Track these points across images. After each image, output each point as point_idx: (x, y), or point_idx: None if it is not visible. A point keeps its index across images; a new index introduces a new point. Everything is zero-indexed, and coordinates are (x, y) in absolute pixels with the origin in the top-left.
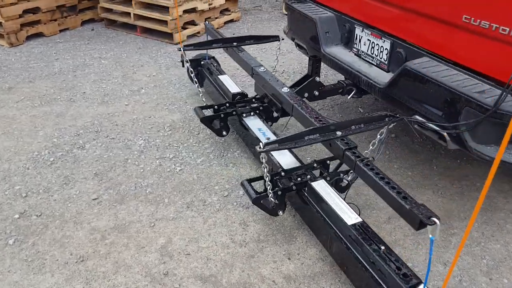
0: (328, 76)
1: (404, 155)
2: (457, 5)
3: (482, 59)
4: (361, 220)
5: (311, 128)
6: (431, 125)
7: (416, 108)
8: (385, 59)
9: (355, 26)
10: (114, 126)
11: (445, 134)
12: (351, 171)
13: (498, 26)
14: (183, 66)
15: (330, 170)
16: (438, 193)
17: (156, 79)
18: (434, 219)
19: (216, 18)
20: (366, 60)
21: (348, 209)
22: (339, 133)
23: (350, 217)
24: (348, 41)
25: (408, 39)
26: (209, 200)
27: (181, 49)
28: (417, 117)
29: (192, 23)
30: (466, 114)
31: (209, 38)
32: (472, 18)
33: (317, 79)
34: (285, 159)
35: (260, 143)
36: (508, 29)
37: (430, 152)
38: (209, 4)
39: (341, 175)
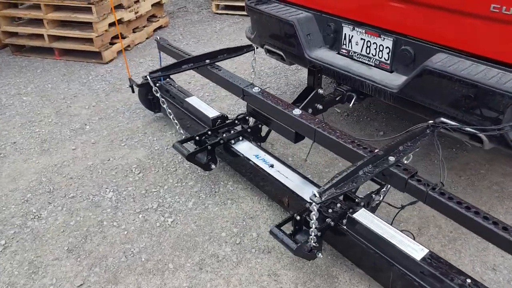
0: (291, 82)
1: None
2: None
3: None
4: (428, 250)
5: (363, 161)
6: (470, 129)
7: (443, 110)
8: (387, 59)
9: (343, 25)
10: (69, 180)
11: (482, 136)
12: (383, 189)
13: None
14: (133, 91)
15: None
16: (451, 189)
17: (98, 110)
18: None
19: (144, 27)
20: (361, 62)
21: (407, 240)
22: (392, 158)
23: (415, 250)
24: (334, 42)
25: (417, 35)
26: (222, 253)
27: (147, 77)
28: (450, 121)
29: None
30: None
31: (166, 58)
32: (504, 7)
33: (320, 91)
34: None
35: (314, 192)
36: None
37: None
38: (135, 13)
39: (373, 196)
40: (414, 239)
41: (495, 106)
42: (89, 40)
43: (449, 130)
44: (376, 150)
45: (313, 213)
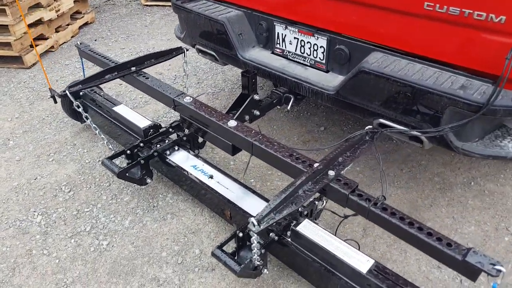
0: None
1: None
2: None
3: (453, 49)
4: (374, 261)
5: (302, 179)
6: (414, 133)
7: (381, 112)
8: (322, 58)
9: (275, 24)
10: None
11: (423, 138)
12: (324, 197)
13: (472, 11)
14: (55, 102)
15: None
16: (394, 184)
17: (22, 122)
18: (499, 267)
19: (68, 25)
20: (296, 62)
21: (352, 251)
22: (331, 172)
23: (361, 261)
24: (267, 41)
25: (352, 34)
26: (163, 275)
27: (66, 92)
28: (388, 123)
29: (41, 37)
30: (451, 114)
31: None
32: (437, 5)
33: (256, 97)
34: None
35: (252, 220)
36: (484, 14)
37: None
38: (57, 11)
39: (316, 203)
40: (359, 248)
41: (434, 107)
42: (7, 45)
43: (392, 135)
44: (315, 165)
45: (253, 237)
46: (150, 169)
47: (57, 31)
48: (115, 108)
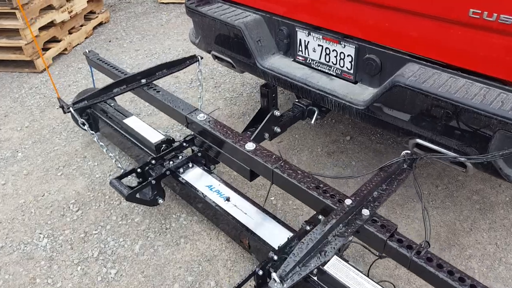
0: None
1: (370, 160)
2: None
3: (503, 63)
4: None
5: (332, 222)
6: (459, 159)
7: (417, 131)
8: (349, 68)
9: (297, 29)
10: None
11: (468, 163)
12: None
13: None
14: (64, 113)
15: None
16: (429, 203)
17: (32, 132)
18: None
19: (82, 26)
20: (321, 71)
21: None
22: (366, 212)
23: None
24: (288, 48)
25: (383, 42)
26: None
27: (70, 108)
28: (428, 144)
29: (54, 39)
30: (501, 138)
31: (98, 80)
32: (485, 12)
33: (277, 113)
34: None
35: (274, 277)
36: None
37: (393, 148)
38: (69, 12)
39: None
40: None
41: (481, 129)
42: (18, 49)
43: (432, 161)
44: (346, 201)
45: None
46: (162, 188)
47: (70, 33)
48: (126, 121)
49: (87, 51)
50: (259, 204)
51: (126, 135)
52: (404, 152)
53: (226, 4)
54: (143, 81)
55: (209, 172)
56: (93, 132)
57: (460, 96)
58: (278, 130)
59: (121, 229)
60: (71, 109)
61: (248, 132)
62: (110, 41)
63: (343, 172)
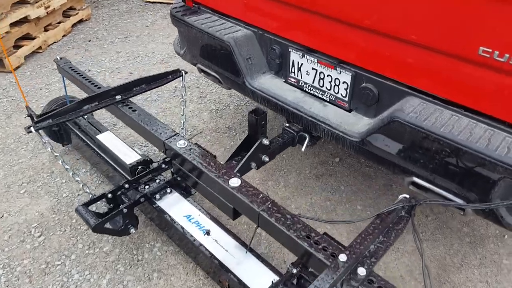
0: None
1: (359, 185)
2: (471, 35)
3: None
4: None
5: (327, 283)
6: (464, 206)
7: (414, 170)
8: (344, 95)
9: (290, 50)
10: None
11: (467, 209)
12: None
13: None
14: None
15: None
16: (420, 235)
17: None
18: None
19: (59, 23)
20: (314, 95)
21: None
22: (362, 271)
23: None
24: (280, 68)
25: (383, 72)
26: None
27: (33, 129)
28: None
29: (28, 37)
30: (506, 187)
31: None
32: (496, 52)
33: (266, 141)
34: None
35: None
36: None
37: (382, 172)
38: (46, 8)
39: None
40: None
41: (484, 175)
42: None
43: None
44: (340, 257)
45: None
46: (135, 216)
47: (46, 30)
48: (100, 136)
49: (58, 58)
50: (243, 241)
51: (99, 152)
52: (401, 197)
53: (215, 15)
54: (118, 97)
55: (189, 197)
56: (57, 154)
57: (463, 138)
58: (267, 159)
59: (87, 260)
60: (32, 129)
61: (233, 162)
62: (90, 41)
63: (332, 197)
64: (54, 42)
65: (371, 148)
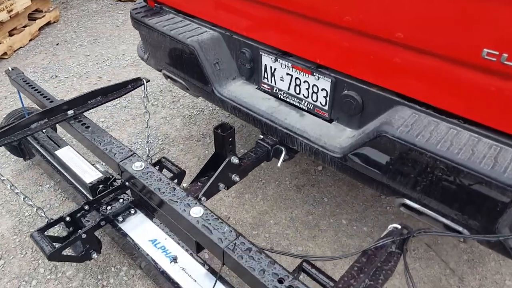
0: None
1: (343, 197)
2: (473, 35)
3: None
4: None
5: None
6: (470, 237)
7: (405, 192)
8: (324, 103)
9: (261, 53)
10: None
11: (465, 238)
12: None
13: None
14: None
15: None
16: (411, 253)
17: None
18: None
19: (25, 26)
20: (289, 103)
21: None
22: None
23: None
24: (252, 73)
25: (368, 79)
26: None
27: None
28: (419, 208)
29: None
30: None
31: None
32: (504, 55)
33: (235, 160)
34: None
35: None
36: None
37: None
38: (9, 12)
39: None
40: None
41: (489, 200)
42: None
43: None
44: None
45: None
46: (97, 240)
47: (11, 35)
48: (59, 152)
49: (10, 69)
50: (214, 268)
51: (60, 169)
52: (391, 227)
53: (179, 16)
54: (70, 112)
55: (152, 219)
56: (4, 178)
57: (464, 158)
58: (237, 178)
59: (48, 286)
60: None
61: (199, 184)
62: (57, 44)
63: (314, 210)
64: (21, 47)
65: (354, 165)
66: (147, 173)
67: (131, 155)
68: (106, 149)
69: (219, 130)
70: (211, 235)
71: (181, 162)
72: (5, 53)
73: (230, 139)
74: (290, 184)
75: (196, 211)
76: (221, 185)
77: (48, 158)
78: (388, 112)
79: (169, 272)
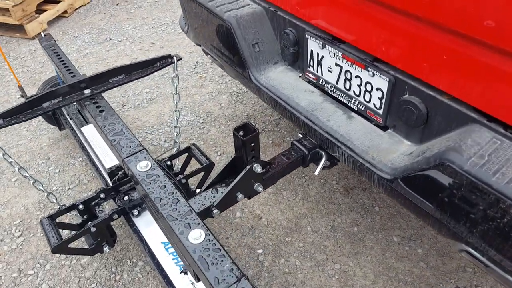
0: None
1: (399, 208)
2: None
3: None
4: None
5: None
6: None
7: (468, 238)
8: (378, 106)
9: (307, 36)
10: None
11: None
12: None
13: None
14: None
15: None
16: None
17: None
18: None
19: None
20: (337, 99)
21: None
22: None
23: None
24: (296, 59)
25: (437, 84)
26: None
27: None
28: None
29: (53, 0)
30: None
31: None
32: None
33: (258, 168)
34: None
35: None
36: None
37: None
38: None
39: None
40: None
41: None
42: (5, 10)
43: None
44: None
45: None
46: (112, 232)
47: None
48: (84, 129)
49: (43, 35)
50: None
51: (85, 146)
52: None
53: None
54: (87, 92)
55: None
56: (12, 160)
57: None
58: (260, 188)
59: (61, 273)
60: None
61: (213, 192)
62: (117, 4)
63: (361, 221)
64: (81, 6)
65: (406, 193)
66: (152, 176)
67: (139, 151)
68: (114, 140)
69: (240, 133)
70: (207, 271)
71: (219, 146)
72: (65, 11)
73: (253, 144)
74: (337, 185)
75: (196, 235)
76: (240, 196)
77: (76, 132)
78: (460, 131)
79: (176, 283)
